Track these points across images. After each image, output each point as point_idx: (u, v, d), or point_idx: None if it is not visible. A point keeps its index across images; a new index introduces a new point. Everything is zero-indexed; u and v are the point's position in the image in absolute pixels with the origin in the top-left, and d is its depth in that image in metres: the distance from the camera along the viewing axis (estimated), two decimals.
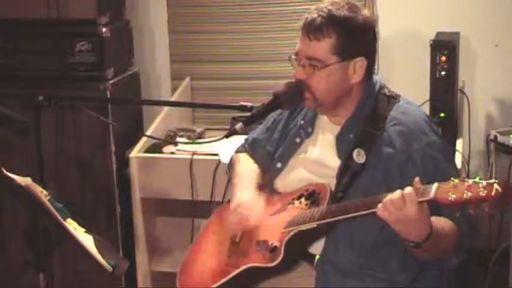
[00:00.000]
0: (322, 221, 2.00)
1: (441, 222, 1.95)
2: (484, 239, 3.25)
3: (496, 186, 1.66)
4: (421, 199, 1.79)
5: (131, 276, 3.34)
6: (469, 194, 1.69)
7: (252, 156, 2.41)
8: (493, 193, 1.66)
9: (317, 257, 2.11)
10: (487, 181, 1.69)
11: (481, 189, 1.68)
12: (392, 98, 2.16)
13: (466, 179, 1.72)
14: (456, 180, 1.74)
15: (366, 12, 2.13)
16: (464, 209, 1.76)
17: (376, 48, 2.18)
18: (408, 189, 1.80)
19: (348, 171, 2.08)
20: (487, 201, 1.68)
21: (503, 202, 1.67)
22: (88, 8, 3.30)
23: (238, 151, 2.48)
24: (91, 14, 3.31)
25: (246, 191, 2.25)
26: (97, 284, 3.24)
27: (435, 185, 1.77)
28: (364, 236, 2.06)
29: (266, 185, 2.31)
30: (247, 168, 2.36)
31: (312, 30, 2.06)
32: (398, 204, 1.79)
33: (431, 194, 1.76)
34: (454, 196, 1.72)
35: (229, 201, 2.40)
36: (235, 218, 2.19)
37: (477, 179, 1.71)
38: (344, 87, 2.11)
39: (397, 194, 1.80)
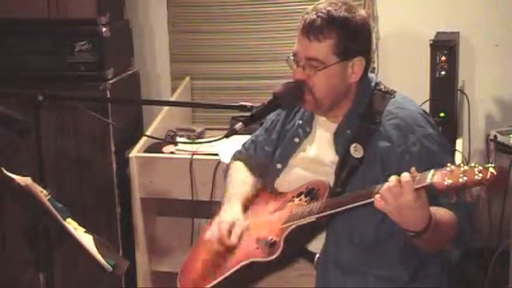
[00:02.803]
0: (321, 214, 2.01)
1: (440, 212, 1.95)
2: (484, 239, 3.25)
3: (491, 169, 1.67)
4: (417, 186, 1.79)
5: (131, 276, 3.34)
6: (465, 178, 1.70)
7: (248, 164, 2.42)
8: (488, 176, 1.67)
9: (317, 255, 2.12)
10: (483, 165, 1.69)
11: (477, 173, 1.69)
12: (388, 94, 2.18)
13: (462, 164, 1.73)
14: (452, 167, 1.74)
15: (362, 12, 2.15)
16: (462, 199, 1.77)
17: (372, 47, 2.20)
18: (405, 176, 1.80)
19: (346, 167, 2.09)
20: (482, 185, 1.69)
21: (499, 186, 1.67)
22: (88, 8, 3.31)
23: (234, 158, 2.48)
24: (91, 14, 3.31)
25: (231, 208, 2.25)
26: (97, 284, 3.24)
27: (431, 171, 1.78)
28: (364, 232, 2.07)
29: (259, 194, 2.32)
30: (238, 182, 2.36)
31: (311, 31, 2.07)
32: (395, 191, 1.79)
33: (428, 180, 1.77)
34: (450, 181, 1.72)
35: None
36: (216, 235, 2.18)
37: (472, 164, 1.71)
38: (343, 87, 2.13)
39: (393, 181, 1.81)
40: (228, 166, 2.49)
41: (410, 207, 1.80)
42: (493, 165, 1.68)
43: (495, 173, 1.67)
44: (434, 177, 1.76)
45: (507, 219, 3.14)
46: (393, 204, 1.80)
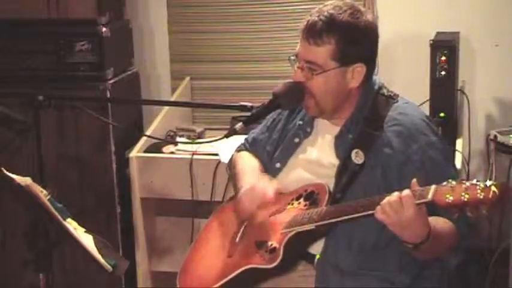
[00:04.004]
0: (321, 223, 2.00)
1: (440, 223, 1.95)
2: (484, 239, 3.25)
3: (493, 188, 1.66)
4: (418, 201, 1.79)
5: (131, 276, 3.34)
6: (467, 196, 1.69)
7: (253, 154, 2.41)
8: (490, 195, 1.66)
9: (317, 257, 2.12)
10: (485, 183, 1.68)
11: (479, 191, 1.67)
12: (391, 98, 2.15)
13: (464, 181, 1.72)
14: (454, 182, 1.73)
15: (369, 16, 2.11)
16: (464, 213, 1.76)
17: (377, 52, 2.16)
18: (406, 192, 1.80)
19: (346, 172, 2.08)
20: (484, 204, 1.68)
21: (501, 204, 1.66)
22: (88, 8, 3.31)
23: (238, 150, 2.48)
24: (91, 14, 3.31)
25: (253, 178, 2.23)
26: (97, 284, 3.24)
27: (433, 187, 1.77)
28: (363, 236, 2.06)
29: None
30: (251, 162, 2.35)
31: (311, 34, 2.05)
32: (395, 206, 1.79)
33: (429, 196, 1.77)
34: (451, 198, 1.72)
35: (229, 199, 2.41)
36: (251, 199, 2.16)
37: (474, 181, 1.70)
38: (342, 92, 2.11)
39: (394, 196, 1.81)
40: (233, 157, 2.47)
41: (410, 221, 1.80)
42: (495, 182, 1.67)
43: (497, 192, 1.65)
44: (435, 193, 1.75)
45: (507, 219, 3.14)
46: (393, 217, 1.80)
